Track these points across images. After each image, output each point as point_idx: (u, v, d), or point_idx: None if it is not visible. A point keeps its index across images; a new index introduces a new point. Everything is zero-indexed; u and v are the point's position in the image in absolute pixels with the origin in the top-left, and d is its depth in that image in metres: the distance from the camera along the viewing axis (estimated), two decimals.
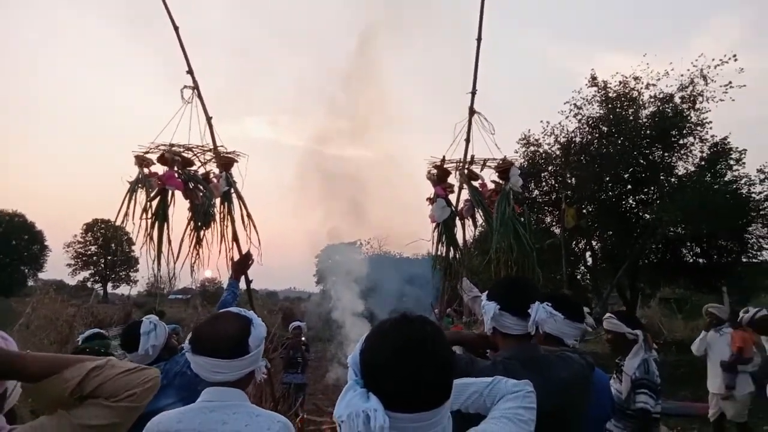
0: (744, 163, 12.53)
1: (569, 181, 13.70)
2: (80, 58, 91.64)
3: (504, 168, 4.07)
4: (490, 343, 2.03)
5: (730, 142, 12.67)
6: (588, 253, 15.74)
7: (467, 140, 4.03)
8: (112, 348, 3.58)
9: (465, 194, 4.10)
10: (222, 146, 3.89)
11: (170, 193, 3.67)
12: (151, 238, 3.61)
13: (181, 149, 3.79)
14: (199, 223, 3.78)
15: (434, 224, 4.04)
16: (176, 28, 3.73)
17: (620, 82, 13.25)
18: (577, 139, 13.59)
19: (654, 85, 13.04)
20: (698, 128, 12.68)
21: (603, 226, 14.01)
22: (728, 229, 12.08)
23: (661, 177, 12.93)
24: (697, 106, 12.55)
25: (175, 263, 3.68)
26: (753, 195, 12.44)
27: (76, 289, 38.52)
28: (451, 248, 4.05)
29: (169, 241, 3.68)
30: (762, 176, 12.33)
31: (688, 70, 12.67)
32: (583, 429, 1.91)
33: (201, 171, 3.93)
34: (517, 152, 13.86)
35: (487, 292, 1.95)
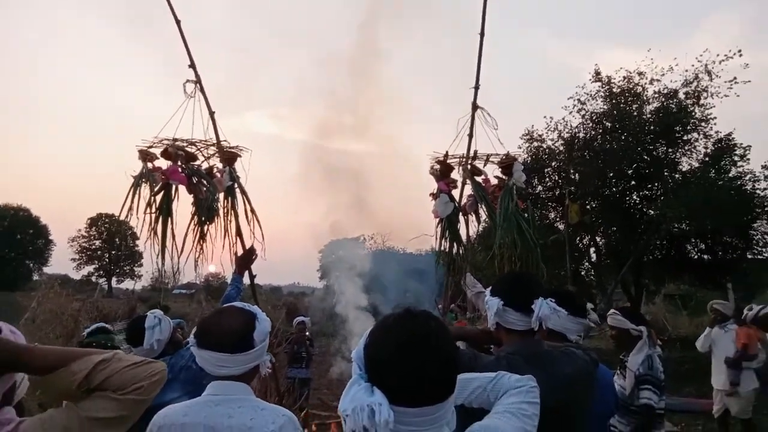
0: (748, 159, 12.51)
1: (573, 177, 13.67)
2: (82, 55, 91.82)
3: (507, 163, 4.05)
4: (493, 339, 2.03)
5: (735, 138, 12.65)
6: (592, 249, 15.73)
7: (470, 135, 4.02)
8: (117, 342, 3.59)
9: (468, 190, 4.09)
10: (225, 141, 3.90)
11: (174, 187, 3.67)
12: (155, 233, 3.61)
13: (185, 144, 3.80)
14: (203, 218, 3.78)
15: (437, 220, 4.04)
16: (178, 22, 3.73)
17: (624, 78, 13.20)
18: (581, 135, 13.55)
19: (658, 80, 13.00)
20: (702, 124, 12.63)
21: (607, 222, 13.99)
22: (733, 225, 12.05)
23: (665, 173, 12.89)
24: (702, 101, 12.50)
25: (179, 258, 3.69)
26: (757, 191, 12.41)
27: (80, 283, 38.64)
28: (455, 244, 4.05)
29: (173, 236, 3.69)
30: (767, 172, 12.28)
31: (693, 65, 12.62)
32: (587, 425, 1.91)
33: (204, 166, 3.93)
34: (520, 148, 13.88)
35: (490, 287, 1.95)
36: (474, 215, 4.13)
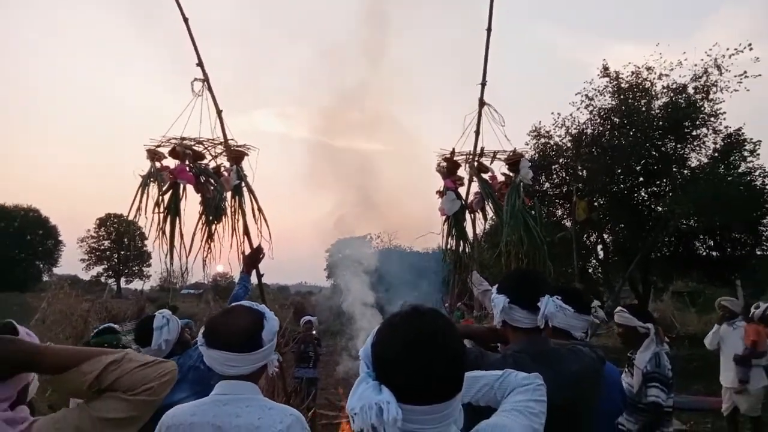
0: (758, 154, 12.36)
1: (580, 174, 13.59)
2: (90, 55, 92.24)
3: (514, 160, 4.05)
4: (500, 337, 2.03)
5: (745, 133, 12.50)
6: (599, 247, 15.63)
7: (477, 132, 4.02)
8: (125, 342, 3.62)
9: (475, 187, 4.09)
10: (232, 139, 3.91)
11: (182, 186, 3.69)
12: (164, 233, 3.64)
13: (192, 143, 3.82)
14: (211, 217, 3.80)
15: (444, 217, 4.04)
16: (186, 20, 3.74)
17: (632, 73, 13.08)
18: (589, 131, 13.46)
19: (667, 75, 12.87)
20: (712, 119, 12.50)
21: (615, 218, 13.90)
22: (742, 221, 11.93)
23: (674, 169, 12.79)
24: (711, 96, 12.36)
25: (187, 258, 3.72)
26: (767, 187, 12.29)
27: (90, 284, 38.92)
28: (461, 241, 4.04)
29: (181, 236, 3.71)
30: None
31: (702, 60, 12.48)
32: (594, 422, 1.90)
33: (212, 164, 3.95)
34: (527, 144, 13.79)
35: (497, 285, 1.95)
36: (481, 213, 4.13)
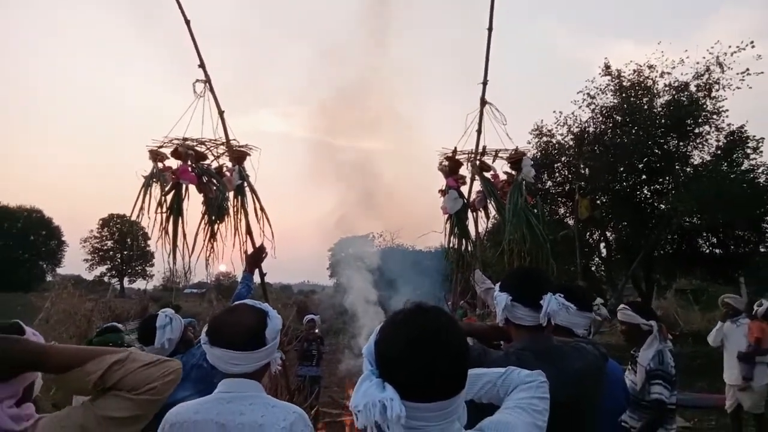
0: (761, 151, 12.36)
1: (583, 172, 13.58)
2: (93, 55, 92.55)
3: (516, 158, 4.04)
4: (502, 334, 2.03)
5: (747, 130, 12.50)
6: (602, 245, 15.62)
7: (479, 131, 4.01)
8: (128, 341, 3.63)
9: (477, 185, 4.09)
10: (234, 140, 3.92)
11: (184, 187, 3.70)
12: (166, 232, 3.65)
13: (195, 143, 3.82)
14: (213, 217, 3.81)
15: (446, 216, 4.04)
16: (188, 22, 3.75)
17: (634, 71, 13.08)
18: (591, 129, 13.45)
19: (669, 73, 12.86)
20: (714, 117, 12.49)
21: (617, 216, 13.90)
22: (745, 218, 11.91)
23: (677, 167, 12.77)
24: (713, 94, 12.35)
25: (190, 257, 3.73)
26: None
27: (93, 283, 39.00)
28: (464, 240, 4.04)
29: (184, 235, 3.72)
30: None
31: (704, 57, 12.47)
32: (597, 420, 1.90)
33: (214, 165, 3.96)
34: (529, 143, 13.79)
35: (499, 283, 1.95)
36: (483, 211, 4.12)
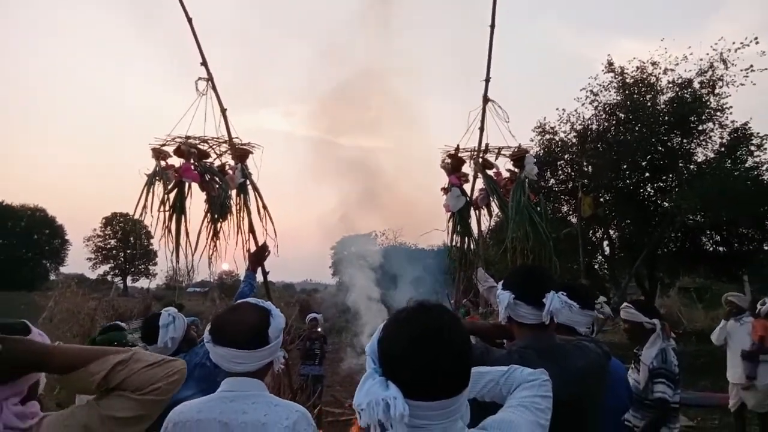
0: (765, 148, 12.31)
1: (586, 170, 13.55)
2: (96, 54, 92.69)
3: (519, 156, 4.03)
4: (505, 333, 2.03)
5: (751, 127, 12.45)
6: (605, 243, 15.61)
7: (481, 129, 4.00)
8: (131, 340, 3.63)
9: (480, 183, 4.08)
10: (237, 138, 3.92)
11: (187, 185, 3.70)
12: (169, 231, 3.65)
13: (197, 141, 3.82)
14: (216, 215, 3.81)
15: (449, 214, 4.03)
16: (190, 20, 3.74)
17: (638, 68, 13.05)
18: (594, 127, 13.42)
19: (672, 70, 12.82)
20: (718, 114, 12.44)
21: (620, 214, 13.87)
22: (749, 216, 11.87)
23: (680, 164, 12.74)
24: (717, 90, 12.31)
25: (193, 256, 3.73)
26: None
27: (96, 282, 39.12)
28: (466, 238, 4.04)
29: (187, 234, 3.72)
30: None
31: (708, 54, 12.44)
32: (600, 419, 1.90)
33: (217, 163, 3.96)
34: (532, 140, 13.77)
35: (502, 281, 1.94)
36: (486, 209, 4.12)
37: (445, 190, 4.02)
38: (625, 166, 12.87)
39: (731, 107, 12.40)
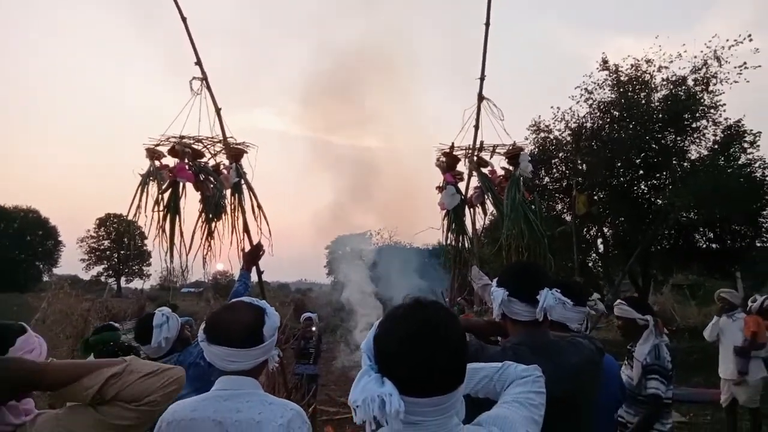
0: (758, 146, 12.33)
1: (580, 168, 13.58)
2: (89, 55, 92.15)
3: (513, 154, 4.05)
4: (499, 330, 2.03)
5: (744, 124, 12.49)
6: (599, 240, 15.63)
7: (476, 127, 4.01)
8: (123, 340, 3.61)
9: (474, 181, 4.09)
10: (231, 137, 3.91)
11: (181, 185, 3.69)
12: (164, 231, 3.64)
13: (192, 141, 3.82)
14: (211, 215, 3.80)
15: (444, 212, 4.04)
16: (184, 20, 3.73)
17: (632, 66, 13.05)
18: (588, 125, 13.44)
19: (666, 67, 12.83)
20: (711, 111, 12.47)
21: (615, 212, 13.90)
22: (742, 213, 11.92)
23: (674, 161, 12.77)
24: (711, 88, 12.33)
25: (187, 255, 3.72)
26: (767, 178, 12.28)
27: (90, 283, 38.93)
28: (461, 236, 4.05)
29: (181, 234, 3.71)
30: None
31: (702, 51, 12.44)
32: (593, 415, 1.91)
33: (211, 162, 3.95)
34: (527, 139, 13.75)
35: (496, 278, 1.95)
36: (480, 207, 4.13)
37: (440, 189, 4.02)
38: (619, 164, 12.90)
39: (725, 104, 12.44)
